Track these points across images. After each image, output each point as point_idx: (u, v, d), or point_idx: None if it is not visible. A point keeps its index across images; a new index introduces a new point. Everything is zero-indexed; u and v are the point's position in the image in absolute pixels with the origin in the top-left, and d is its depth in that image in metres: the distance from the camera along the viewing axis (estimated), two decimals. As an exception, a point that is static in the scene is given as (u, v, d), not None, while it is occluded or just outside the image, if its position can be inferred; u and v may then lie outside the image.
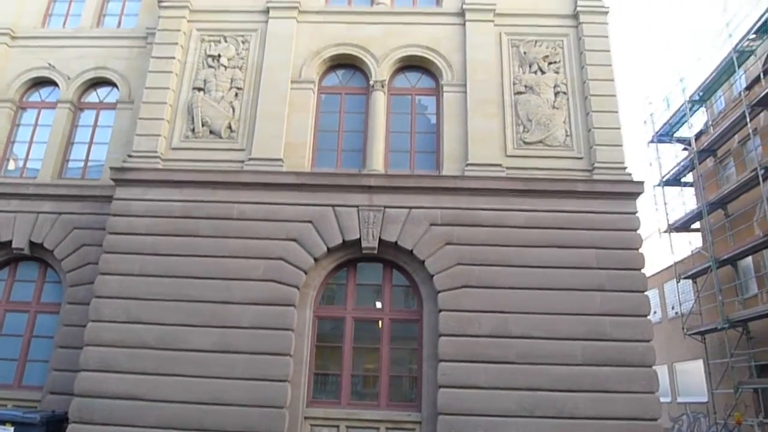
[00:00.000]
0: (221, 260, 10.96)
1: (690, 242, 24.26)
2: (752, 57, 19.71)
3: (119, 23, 14.77)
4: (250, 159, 11.76)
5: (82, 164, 13.38)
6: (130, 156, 11.89)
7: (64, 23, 14.86)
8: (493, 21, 12.84)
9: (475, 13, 12.89)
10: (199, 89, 12.50)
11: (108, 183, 12.10)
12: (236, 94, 12.45)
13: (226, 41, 12.96)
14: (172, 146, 12.07)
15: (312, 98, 12.51)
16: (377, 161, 11.84)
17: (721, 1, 26.10)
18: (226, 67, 12.68)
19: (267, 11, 13.14)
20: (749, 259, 20.15)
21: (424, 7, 13.50)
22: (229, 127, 12.16)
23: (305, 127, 12.15)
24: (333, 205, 11.27)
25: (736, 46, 19.36)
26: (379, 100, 12.40)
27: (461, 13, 12.98)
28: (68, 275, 12.06)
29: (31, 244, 12.39)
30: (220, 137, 12.10)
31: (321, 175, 11.60)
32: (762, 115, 19.29)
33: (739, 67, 19.73)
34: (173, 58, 12.67)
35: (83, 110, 13.93)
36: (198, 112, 12.24)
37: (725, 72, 20.63)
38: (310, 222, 11.18)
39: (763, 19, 18.02)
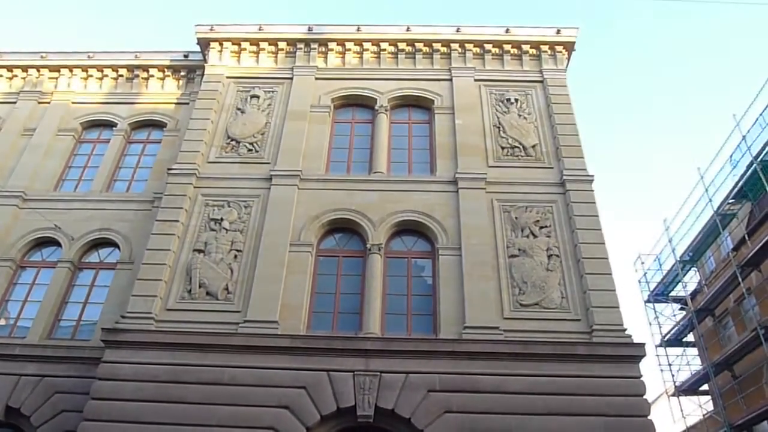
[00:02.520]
0: (208, 429, 10.38)
1: (700, 406, 23.22)
2: (735, 219, 20.57)
3: (128, 188, 15.57)
4: (245, 321, 11.71)
5: (74, 324, 13.24)
6: (123, 317, 11.83)
7: (76, 187, 15.66)
8: (484, 189, 13.62)
9: (468, 182, 13.72)
10: (200, 251, 12.82)
11: (98, 344, 11.87)
12: (235, 256, 12.75)
13: (229, 206, 13.58)
14: (167, 307, 12.07)
15: (310, 261, 12.80)
16: (374, 324, 11.78)
17: (698, 167, 27.80)
18: (227, 230, 13.14)
19: (270, 179, 13.97)
20: (765, 424, 19.18)
21: (419, 175, 14.40)
22: (227, 288, 12.28)
23: (302, 290, 12.27)
24: (328, 370, 10.97)
25: (718, 209, 20.31)
26: (376, 263, 12.67)
27: (454, 182, 13.80)
28: (41, 445, 11.33)
29: (8, 409, 11.83)
30: (217, 299, 12.15)
31: (316, 339, 11.46)
32: (753, 274, 19.61)
33: (723, 229, 20.49)
34: (177, 221, 13.17)
35: (82, 270, 14.13)
36: (196, 274, 12.43)
37: (711, 233, 21.39)
38: (303, 388, 10.80)
39: (738, 186, 19.11)
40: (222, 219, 13.29)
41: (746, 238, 19.14)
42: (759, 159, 17.72)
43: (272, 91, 16.06)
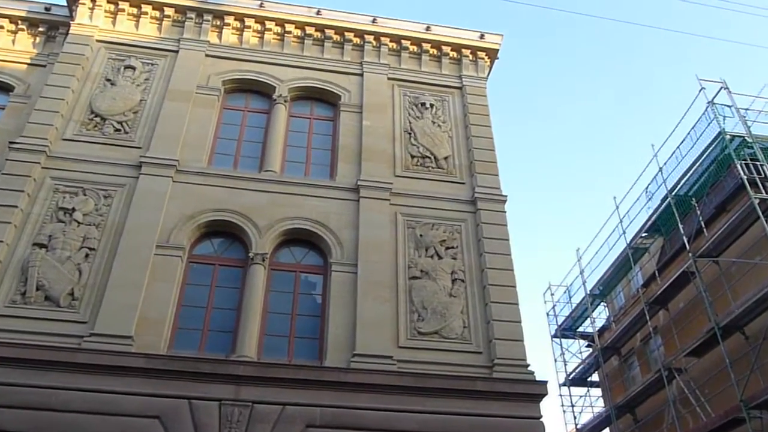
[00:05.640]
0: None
1: (601, 451, 24.59)
2: (646, 254, 22.10)
3: (-46, 161, 14.17)
4: (91, 334, 11.02)
5: None
6: (-70, 321, 10.69)
7: None
8: (389, 200, 13.77)
9: (371, 191, 13.79)
10: (41, 246, 11.98)
11: None
12: (87, 255, 12.02)
13: (84, 194, 12.81)
14: (-10, 313, 11.06)
15: (179, 267, 12.30)
16: (249, 346, 11.49)
17: (614, 196, 29.71)
18: (79, 223, 12.37)
19: (139, 166, 13.33)
20: (663, 471, 20.58)
21: (316, 179, 14.31)
22: (72, 294, 11.52)
23: (167, 301, 11.76)
24: (189, 398, 10.55)
25: (630, 243, 21.71)
26: (258, 275, 12.40)
27: (355, 189, 13.83)
28: None
29: None
30: (59, 306, 11.36)
31: (179, 360, 10.98)
32: (661, 313, 21.11)
33: (635, 264, 21.93)
34: (15, 206, 12.22)
35: None
36: (34, 273, 11.57)
37: (622, 267, 22.82)
38: (156, 418, 10.31)
39: (652, 220, 20.55)
40: (74, 209, 12.49)
41: (656, 274, 20.58)
42: (674, 193, 19.11)
43: (152, 64, 15.43)
